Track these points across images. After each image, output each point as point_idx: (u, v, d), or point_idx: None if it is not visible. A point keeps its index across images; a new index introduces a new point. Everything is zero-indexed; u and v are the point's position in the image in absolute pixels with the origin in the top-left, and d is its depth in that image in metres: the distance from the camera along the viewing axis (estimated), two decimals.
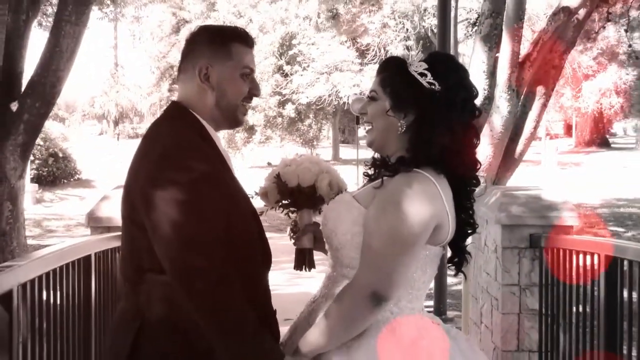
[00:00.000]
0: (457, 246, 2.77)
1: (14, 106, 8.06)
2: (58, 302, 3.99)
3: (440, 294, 8.85)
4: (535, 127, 12.82)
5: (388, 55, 15.98)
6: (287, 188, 3.05)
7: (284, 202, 3.12)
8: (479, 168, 2.74)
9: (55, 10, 8.87)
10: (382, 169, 2.68)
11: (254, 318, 2.51)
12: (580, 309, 4.75)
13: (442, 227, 2.59)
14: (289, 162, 3.12)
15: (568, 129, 46.18)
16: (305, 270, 3.10)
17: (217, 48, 2.71)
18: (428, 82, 2.62)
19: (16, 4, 8.04)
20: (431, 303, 8.93)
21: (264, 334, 2.55)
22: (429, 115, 2.60)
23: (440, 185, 2.57)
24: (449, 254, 2.84)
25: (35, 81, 8.12)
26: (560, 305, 5.07)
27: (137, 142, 2.80)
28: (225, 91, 2.71)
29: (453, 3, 11.56)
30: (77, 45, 8.15)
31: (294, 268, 3.09)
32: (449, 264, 2.81)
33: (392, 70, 2.71)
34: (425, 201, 2.52)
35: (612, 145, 43.30)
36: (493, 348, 5.95)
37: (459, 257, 2.79)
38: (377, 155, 2.79)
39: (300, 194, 3.05)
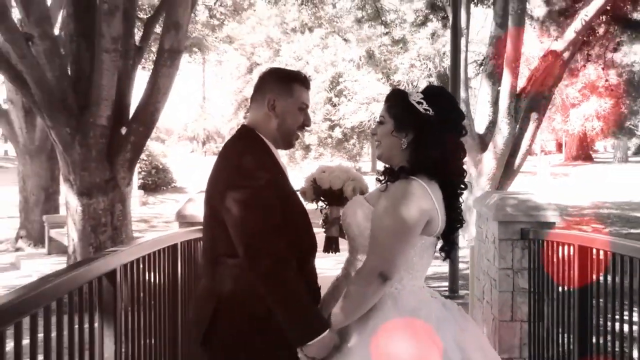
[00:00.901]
0: (448, 238, 2.77)
1: (123, 130, 8.23)
2: (152, 279, 4.05)
3: (454, 276, 8.85)
4: (531, 145, 12.70)
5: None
6: (321, 190, 3.08)
7: (318, 199, 3.15)
8: (465, 175, 2.74)
9: (154, 57, 9.00)
10: (389, 175, 2.70)
11: (305, 291, 2.57)
12: (560, 288, 4.70)
13: (433, 222, 2.61)
14: (324, 168, 3.15)
15: (559, 147, 45.44)
16: (332, 253, 3.12)
17: (282, 86, 2.77)
18: (424, 109, 2.63)
19: (125, 53, 8.20)
20: (446, 284, 8.91)
21: (312, 304, 2.60)
22: (424, 135, 2.62)
23: (431, 189, 2.59)
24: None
25: (140, 111, 8.27)
26: (545, 285, 5.02)
27: None
28: (285, 120, 2.77)
29: (464, 48, 11.50)
30: (171, 83, 8.28)
31: (323, 251, 3.09)
32: (440, 252, 2.81)
33: (395, 100, 2.73)
34: (418, 201, 2.54)
35: (595, 160, 42.47)
36: (492, 318, 5.91)
37: (448, 246, 2.79)
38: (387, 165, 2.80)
39: (331, 195, 3.07)
